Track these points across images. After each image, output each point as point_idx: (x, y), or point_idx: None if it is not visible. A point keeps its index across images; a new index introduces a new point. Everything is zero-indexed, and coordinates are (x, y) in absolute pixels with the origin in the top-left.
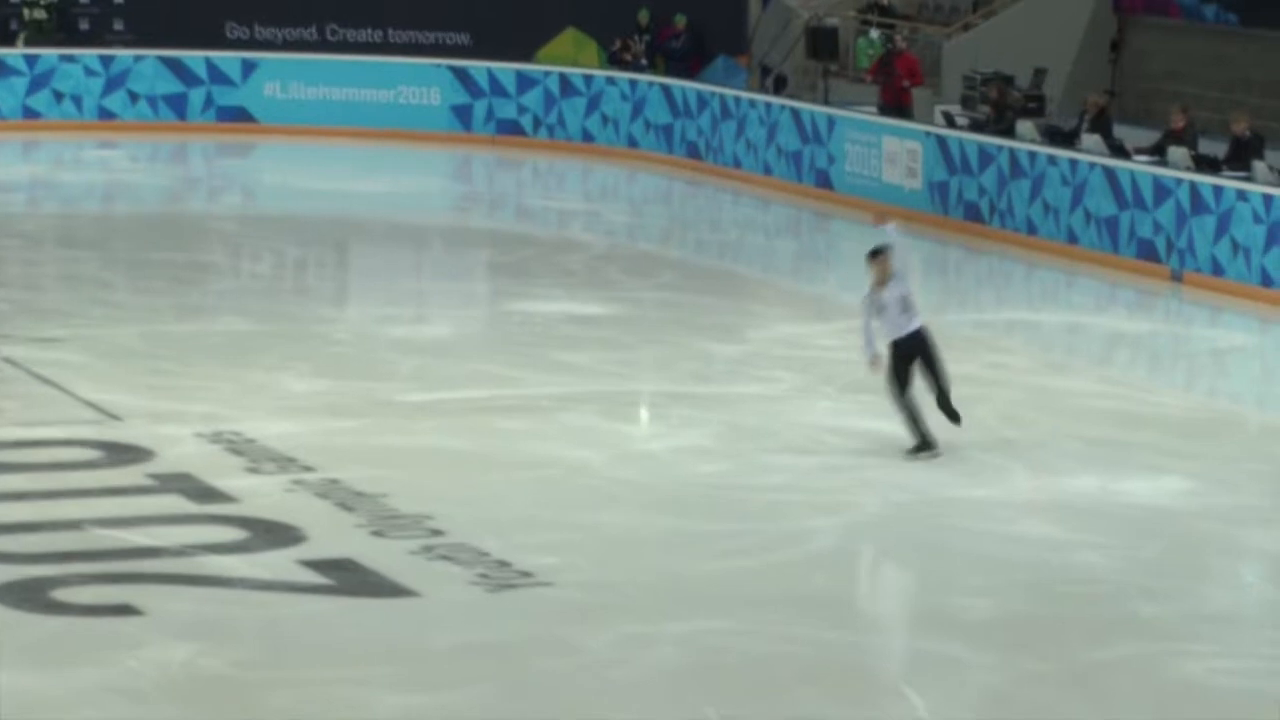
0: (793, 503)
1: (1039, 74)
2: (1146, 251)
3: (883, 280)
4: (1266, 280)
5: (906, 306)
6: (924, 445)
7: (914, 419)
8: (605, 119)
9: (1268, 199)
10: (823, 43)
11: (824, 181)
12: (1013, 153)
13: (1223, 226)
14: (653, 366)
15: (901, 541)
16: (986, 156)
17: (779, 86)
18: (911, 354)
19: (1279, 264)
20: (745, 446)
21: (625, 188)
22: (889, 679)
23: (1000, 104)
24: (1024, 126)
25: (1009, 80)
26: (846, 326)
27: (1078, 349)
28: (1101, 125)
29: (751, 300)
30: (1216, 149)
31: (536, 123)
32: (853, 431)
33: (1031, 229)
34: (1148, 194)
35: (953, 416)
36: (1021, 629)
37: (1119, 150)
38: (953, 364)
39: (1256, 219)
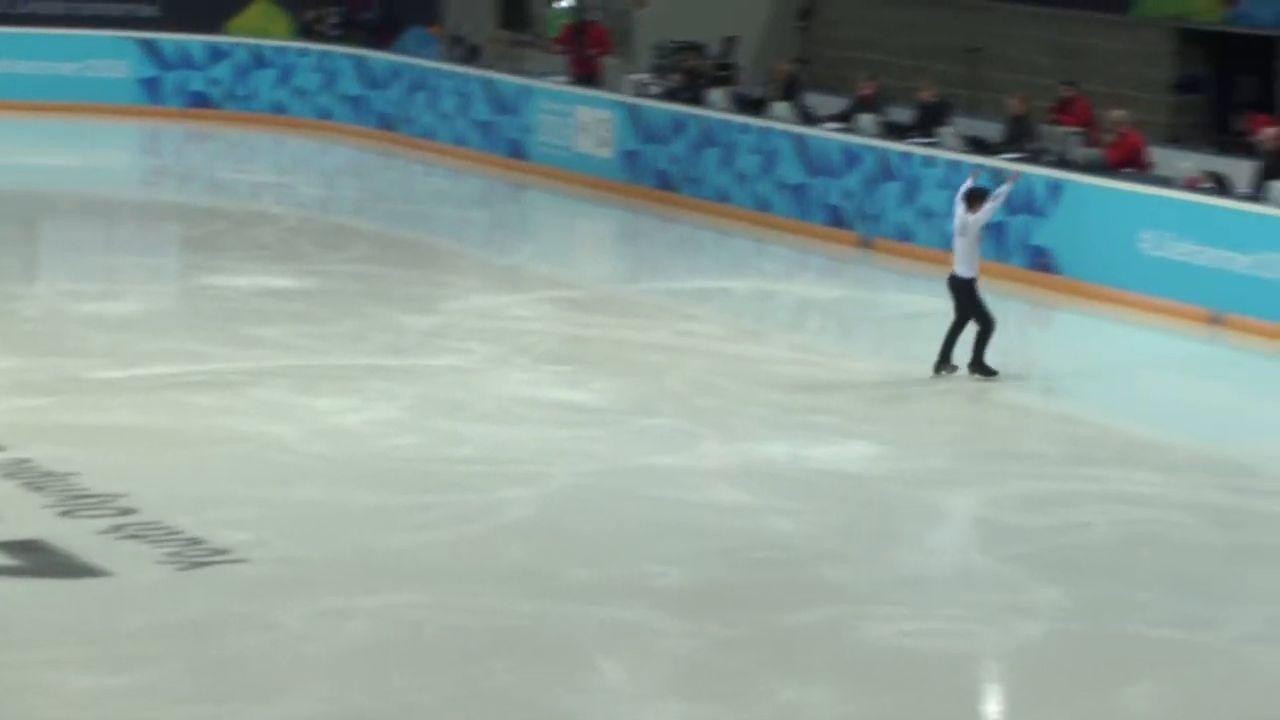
0: (486, 474)
1: (729, 42)
2: (836, 218)
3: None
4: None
5: (965, 251)
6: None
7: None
8: (297, 91)
9: (954, 165)
10: (514, 13)
11: (517, 152)
12: (704, 121)
13: (910, 193)
14: (346, 339)
15: (594, 511)
16: (678, 125)
17: (471, 57)
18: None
19: None
20: (439, 419)
21: (317, 160)
22: (583, 649)
23: (691, 73)
24: (715, 95)
25: (700, 49)
26: (539, 296)
27: (769, 316)
28: (791, 93)
29: (445, 272)
30: (904, 116)
31: (228, 95)
32: (546, 402)
33: (723, 197)
34: (837, 161)
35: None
36: (713, 596)
37: (809, 118)
38: (644, 332)
39: (943, 185)
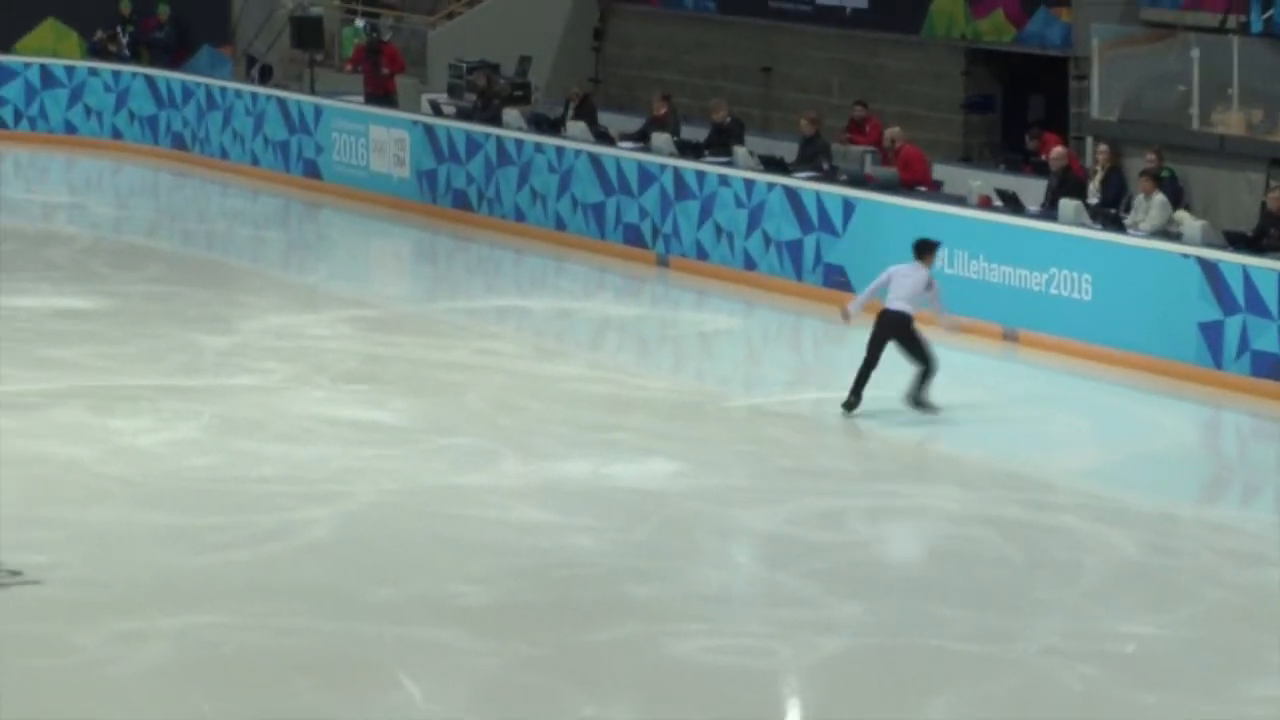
0: (286, 494)
1: (524, 62)
2: (633, 237)
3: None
4: (750, 263)
5: (915, 297)
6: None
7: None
8: (89, 111)
9: (749, 184)
10: (308, 32)
11: (312, 171)
12: (500, 140)
13: (706, 211)
14: (142, 360)
15: (395, 530)
16: (474, 145)
17: (265, 77)
18: (889, 329)
19: (761, 247)
20: (237, 438)
21: (110, 180)
22: (386, 668)
23: (487, 92)
24: (510, 114)
25: (495, 68)
26: (337, 316)
27: (567, 334)
28: (586, 113)
29: (241, 291)
30: (698, 135)
31: (17, 115)
32: (345, 421)
33: (520, 216)
34: (633, 180)
35: (919, 404)
36: (515, 614)
37: (604, 137)
38: (442, 351)
39: (739, 203)
